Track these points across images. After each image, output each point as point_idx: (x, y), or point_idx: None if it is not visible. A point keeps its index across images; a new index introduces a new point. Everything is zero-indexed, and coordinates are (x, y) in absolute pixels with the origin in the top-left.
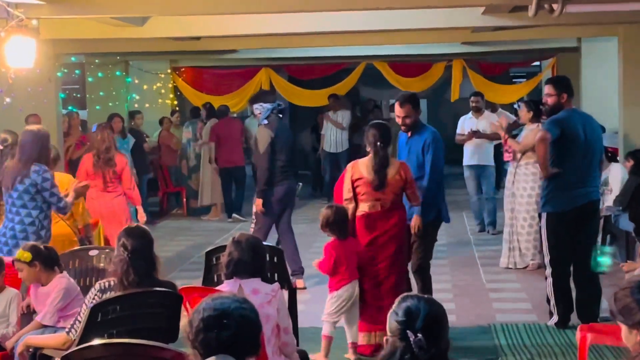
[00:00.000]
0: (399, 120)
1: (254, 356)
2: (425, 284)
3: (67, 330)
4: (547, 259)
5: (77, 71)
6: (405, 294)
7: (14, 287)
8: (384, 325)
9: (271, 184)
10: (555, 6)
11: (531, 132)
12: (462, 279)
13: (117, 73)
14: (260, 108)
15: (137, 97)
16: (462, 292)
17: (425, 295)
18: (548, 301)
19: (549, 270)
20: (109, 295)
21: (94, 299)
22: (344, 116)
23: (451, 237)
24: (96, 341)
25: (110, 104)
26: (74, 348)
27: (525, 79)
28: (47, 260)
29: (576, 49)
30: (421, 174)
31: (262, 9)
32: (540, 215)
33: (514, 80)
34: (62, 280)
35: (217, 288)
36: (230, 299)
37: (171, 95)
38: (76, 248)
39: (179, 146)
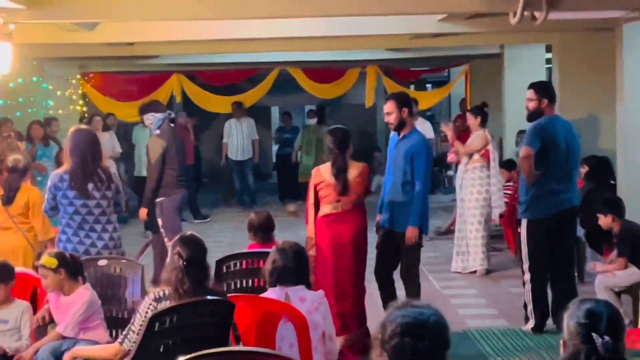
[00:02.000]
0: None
1: None
2: (413, 291)
3: (119, 340)
4: (526, 265)
5: None
6: (580, 297)
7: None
8: (344, 332)
9: (166, 194)
10: (537, 14)
11: (477, 137)
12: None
13: (35, 79)
14: (151, 118)
15: (52, 104)
16: (421, 299)
17: (601, 299)
18: (525, 306)
19: (527, 276)
20: (164, 304)
21: (148, 308)
22: (248, 124)
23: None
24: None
25: (29, 110)
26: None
27: (413, 86)
28: (72, 268)
29: (498, 55)
30: (405, 180)
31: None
32: (519, 222)
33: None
34: (85, 293)
35: (262, 295)
36: (430, 310)
37: (81, 102)
38: (84, 258)
39: None
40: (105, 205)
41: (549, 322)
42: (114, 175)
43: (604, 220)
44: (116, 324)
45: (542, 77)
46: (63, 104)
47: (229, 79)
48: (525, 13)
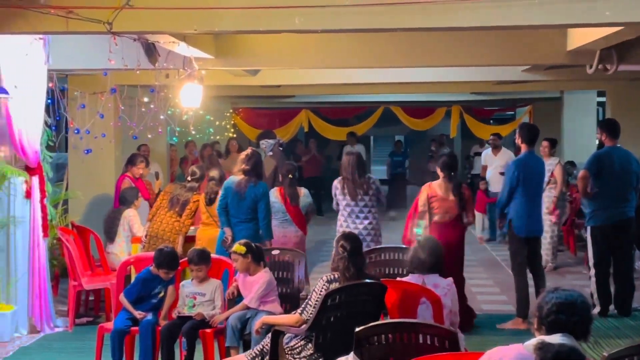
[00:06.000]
0: None
1: (584, 339)
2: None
3: (299, 312)
4: (591, 262)
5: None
6: None
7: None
8: None
9: None
10: (609, 66)
11: (551, 164)
12: (497, 276)
13: (201, 112)
14: (265, 143)
15: (212, 130)
16: (506, 287)
17: None
18: (591, 295)
19: (592, 271)
20: (334, 285)
21: (323, 287)
22: (359, 149)
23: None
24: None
25: (197, 135)
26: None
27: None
28: (256, 255)
29: (557, 99)
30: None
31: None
32: (586, 229)
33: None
34: (266, 275)
35: (403, 279)
36: (577, 293)
37: (232, 130)
38: (264, 248)
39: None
40: (365, 203)
41: (611, 307)
42: (372, 183)
43: None
44: (286, 299)
45: (594, 117)
46: (219, 131)
47: (344, 113)
48: (599, 66)
